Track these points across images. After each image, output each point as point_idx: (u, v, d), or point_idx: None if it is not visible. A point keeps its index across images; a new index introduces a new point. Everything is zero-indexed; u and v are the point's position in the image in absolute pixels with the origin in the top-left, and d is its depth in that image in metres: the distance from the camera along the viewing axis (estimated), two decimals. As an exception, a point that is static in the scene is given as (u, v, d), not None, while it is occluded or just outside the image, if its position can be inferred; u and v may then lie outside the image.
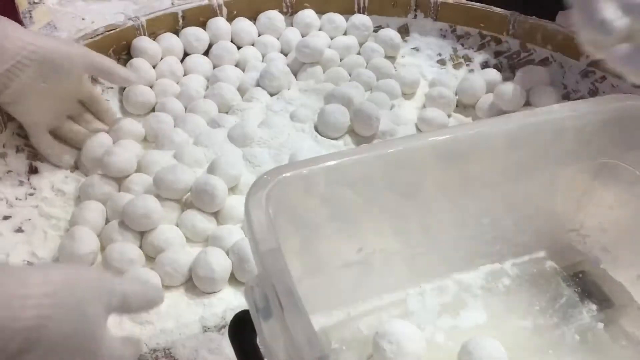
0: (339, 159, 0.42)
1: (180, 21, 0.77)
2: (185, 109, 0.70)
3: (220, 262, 0.52)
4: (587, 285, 0.53)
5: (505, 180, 0.50)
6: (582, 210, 0.54)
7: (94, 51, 0.61)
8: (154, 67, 0.74)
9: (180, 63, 0.76)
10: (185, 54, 0.77)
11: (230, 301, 0.53)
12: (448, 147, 0.46)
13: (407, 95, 0.78)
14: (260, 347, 0.37)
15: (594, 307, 0.51)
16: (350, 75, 0.77)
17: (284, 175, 0.39)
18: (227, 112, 0.71)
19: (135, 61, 0.72)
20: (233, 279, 0.54)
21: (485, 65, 0.81)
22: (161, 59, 0.75)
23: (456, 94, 0.76)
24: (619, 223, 0.52)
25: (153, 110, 0.71)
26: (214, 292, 0.53)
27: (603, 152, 0.51)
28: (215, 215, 0.58)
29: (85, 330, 0.34)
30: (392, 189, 0.46)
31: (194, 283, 0.54)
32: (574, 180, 0.52)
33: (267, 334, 0.35)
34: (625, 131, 0.49)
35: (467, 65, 0.82)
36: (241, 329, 0.38)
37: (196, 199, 0.57)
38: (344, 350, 0.47)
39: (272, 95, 0.74)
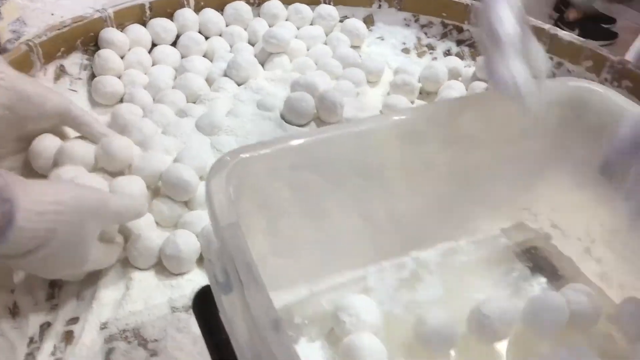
0: (300, 139, 0.44)
1: (148, 12, 0.78)
2: (154, 100, 0.72)
3: (188, 243, 0.54)
4: (538, 260, 0.56)
5: (460, 161, 0.53)
6: (533, 190, 0.56)
7: (72, 102, 0.57)
8: (121, 57, 0.75)
9: (148, 54, 0.77)
10: (153, 45, 0.78)
11: (199, 282, 0.55)
12: (406, 127, 0.49)
13: (372, 83, 0.80)
14: (222, 320, 0.39)
15: (543, 280, 0.54)
16: (316, 65, 0.79)
17: (244, 155, 0.41)
18: (195, 102, 0.73)
19: (103, 52, 0.74)
20: (202, 262, 0.56)
21: (447, 53, 0.83)
22: (129, 49, 0.76)
23: (419, 81, 0.78)
24: (568, 202, 0.55)
25: (121, 101, 0.72)
26: (182, 274, 0.55)
27: (553, 134, 0.53)
28: (186, 202, 0.60)
29: (82, 240, 0.46)
30: (353, 168, 0.48)
31: (164, 265, 0.56)
32: (525, 161, 0.54)
33: (228, 308, 0.37)
34: (574, 113, 0.52)
35: (430, 53, 0.84)
36: (205, 304, 0.40)
37: (167, 188, 0.58)
38: (307, 325, 0.49)
39: (239, 85, 0.75)
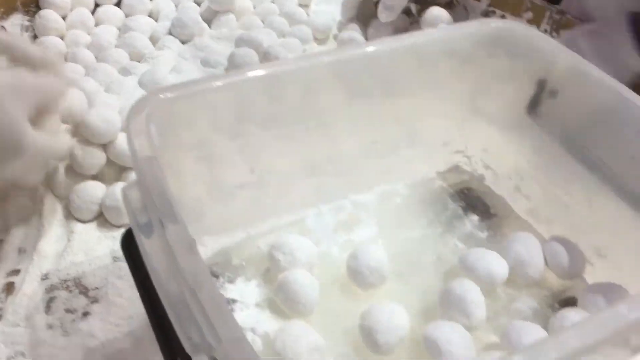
0: (227, 79, 0.45)
1: (89, -28, 0.77)
2: (97, 59, 0.71)
3: (127, 194, 0.55)
4: (471, 200, 0.58)
5: (394, 106, 0.54)
6: (465, 132, 0.58)
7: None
8: (63, 18, 0.74)
9: (90, 14, 0.76)
10: (97, 5, 0.78)
11: (140, 232, 0.55)
12: (339, 67, 0.49)
13: (319, 40, 0.81)
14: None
15: (476, 217, 0.56)
16: (263, 23, 0.80)
17: (167, 94, 0.41)
18: (139, 61, 0.72)
19: (44, 12, 0.73)
20: (143, 213, 0.57)
21: (393, 9, 0.84)
22: (71, 10, 0.75)
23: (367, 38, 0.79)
24: (497, 142, 0.57)
25: (64, 60, 0.72)
26: (124, 225, 0.56)
27: (479, 74, 0.55)
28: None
29: (6, 125, 0.42)
30: (284, 109, 0.49)
31: (105, 217, 0.56)
32: (455, 103, 0.56)
33: (147, 246, 0.37)
34: (498, 53, 0.53)
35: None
36: (131, 243, 0.40)
37: (87, 131, 0.57)
38: (244, 266, 0.50)
39: (184, 43, 0.75)
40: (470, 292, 0.45)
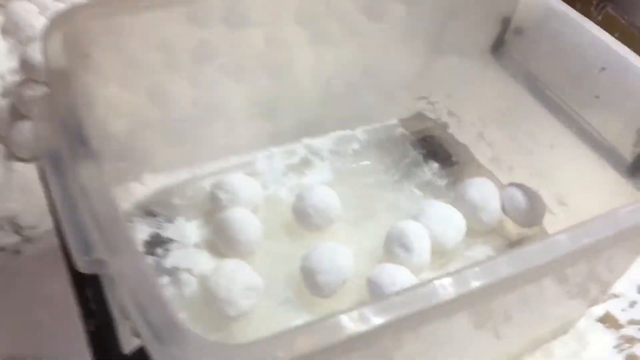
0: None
1: None
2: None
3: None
4: (433, 147, 0.55)
5: (353, 43, 0.51)
6: (428, 76, 0.55)
7: None
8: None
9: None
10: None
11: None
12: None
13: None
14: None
15: (436, 165, 0.53)
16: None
17: (92, 9, 0.38)
18: None
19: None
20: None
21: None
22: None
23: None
24: (461, 86, 0.54)
25: (17, -1, 0.68)
26: (65, 164, 0.53)
27: (441, 15, 0.52)
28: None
29: None
30: (237, 40, 0.46)
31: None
32: (417, 44, 0.53)
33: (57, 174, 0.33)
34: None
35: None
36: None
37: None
38: (186, 206, 0.48)
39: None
40: (417, 234, 0.42)
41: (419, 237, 0.42)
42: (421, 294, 0.26)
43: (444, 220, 0.44)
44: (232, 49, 0.46)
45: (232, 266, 0.41)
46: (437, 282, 0.26)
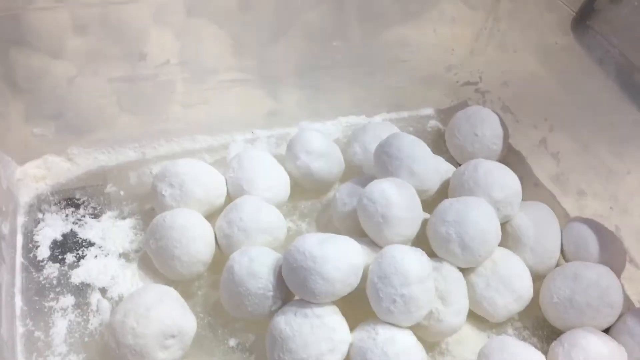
0: None
1: None
2: None
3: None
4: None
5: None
6: (480, 55, 0.40)
7: None
8: None
9: None
10: None
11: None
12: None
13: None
14: None
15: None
16: None
17: None
18: None
19: None
20: None
21: None
22: None
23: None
24: (524, 73, 0.39)
25: None
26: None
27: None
28: None
29: None
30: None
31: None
32: (467, 14, 0.38)
33: None
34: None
35: None
36: None
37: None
38: (121, 197, 0.35)
39: None
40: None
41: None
42: None
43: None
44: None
45: (151, 298, 0.28)
46: None
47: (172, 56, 0.35)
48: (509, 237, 0.33)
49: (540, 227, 0.33)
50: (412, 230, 0.31)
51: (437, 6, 0.39)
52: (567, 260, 0.33)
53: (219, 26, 0.35)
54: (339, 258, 0.27)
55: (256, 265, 0.28)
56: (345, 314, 0.28)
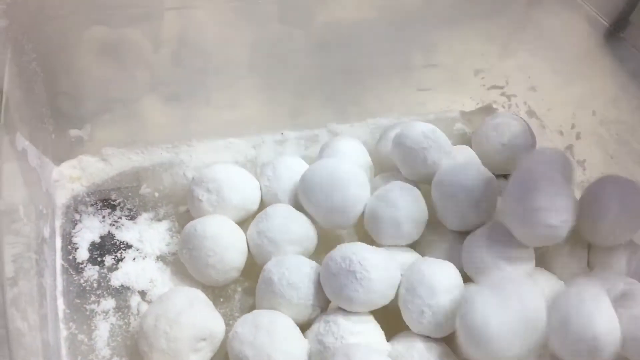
0: None
1: None
2: None
3: None
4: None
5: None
6: (508, 59, 0.41)
7: None
8: None
9: None
10: None
11: None
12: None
13: None
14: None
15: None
16: None
17: None
18: None
19: None
20: None
21: None
22: None
23: None
24: (552, 79, 0.40)
25: None
26: None
27: None
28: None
29: None
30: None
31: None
32: (498, 10, 0.38)
33: None
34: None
35: None
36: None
37: None
38: (156, 199, 0.36)
39: None
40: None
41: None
42: None
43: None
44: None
45: (181, 302, 0.28)
46: None
47: (207, 61, 0.35)
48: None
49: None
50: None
51: (469, 11, 0.39)
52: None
53: (252, 34, 0.35)
54: (378, 269, 0.28)
55: (295, 275, 0.29)
56: (382, 324, 0.29)
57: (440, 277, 0.28)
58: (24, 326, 0.23)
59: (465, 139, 0.42)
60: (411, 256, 0.31)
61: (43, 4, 0.29)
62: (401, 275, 0.29)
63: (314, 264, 0.30)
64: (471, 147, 0.39)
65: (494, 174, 0.33)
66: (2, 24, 0.28)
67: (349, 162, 0.33)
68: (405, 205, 0.31)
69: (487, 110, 0.43)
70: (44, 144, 0.33)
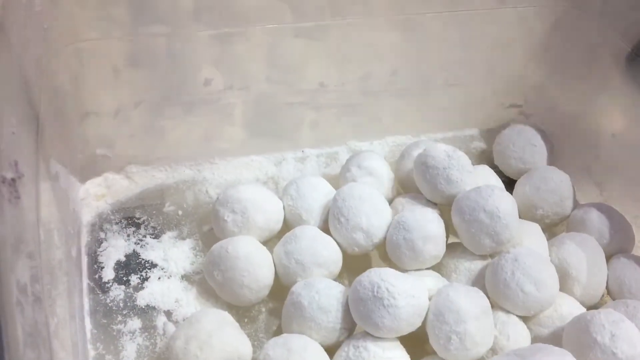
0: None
1: None
2: None
3: None
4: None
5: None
6: (528, 78, 0.41)
7: None
8: None
9: None
10: None
11: None
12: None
13: None
14: None
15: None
16: None
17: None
18: None
19: None
20: None
21: None
22: None
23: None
24: (572, 99, 0.40)
25: None
26: None
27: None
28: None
29: None
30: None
31: None
32: (519, 31, 0.39)
33: None
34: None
35: None
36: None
37: None
38: (179, 217, 0.36)
39: None
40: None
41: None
42: None
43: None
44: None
45: (211, 324, 0.29)
46: None
47: (234, 82, 0.35)
48: (557, 271, 0.34)
49: (589, 260, 0.34)
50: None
51: (490, 32, 0.39)
52: (610, 293, 0.35)
53: (271, 52, 0.36)
54: (406, 297, 0.28)
55: (325, 299, 0.29)
56: (409, 348, 0.29)
57: (468, 303, 0.29)
58: (64, 355, 0.23)
59: (483, 158, 0.42)
60: (437, 282, 0.31)
61: (75, 28, 0.29)
62: (429, 300, 0.30)
63: (341, 286, 0.30)
64: (492, 160, 0.40)
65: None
66: (39, 51, 0.28)
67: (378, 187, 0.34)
68: (416, 225, 0.32)
69: (505, 129, 0.43)
70: (72, 163, 0.33)
